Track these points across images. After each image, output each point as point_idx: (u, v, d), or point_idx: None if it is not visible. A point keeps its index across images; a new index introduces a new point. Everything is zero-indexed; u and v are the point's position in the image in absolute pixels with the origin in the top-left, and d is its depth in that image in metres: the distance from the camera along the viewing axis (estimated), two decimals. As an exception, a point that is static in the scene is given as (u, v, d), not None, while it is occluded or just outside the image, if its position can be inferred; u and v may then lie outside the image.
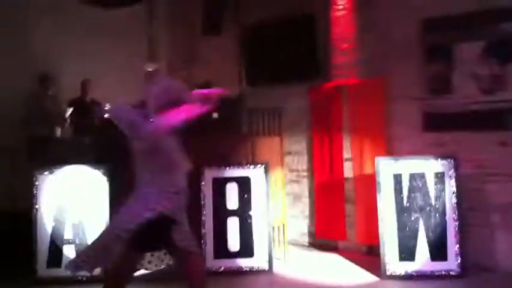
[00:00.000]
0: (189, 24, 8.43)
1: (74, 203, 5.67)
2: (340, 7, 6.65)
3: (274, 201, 5.97)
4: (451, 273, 5.31)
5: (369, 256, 6.16)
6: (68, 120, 7.77)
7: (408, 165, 5.55)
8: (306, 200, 6.96)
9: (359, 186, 6.39)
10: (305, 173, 6.98)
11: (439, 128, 5.88)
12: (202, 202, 5.76)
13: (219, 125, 6.93)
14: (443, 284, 5.17)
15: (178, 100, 3.81)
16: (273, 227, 5.93)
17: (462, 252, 5.32)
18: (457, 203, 5.39)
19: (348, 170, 6.54)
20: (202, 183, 5.80)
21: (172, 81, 4.08)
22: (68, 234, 5.63)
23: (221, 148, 6.33)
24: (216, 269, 5.65)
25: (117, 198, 5.68)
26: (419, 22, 6.02)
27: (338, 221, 6.55)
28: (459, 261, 5.32)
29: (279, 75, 7.01)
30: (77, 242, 5.61)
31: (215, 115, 6.95)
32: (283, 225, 6.18)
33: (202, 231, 5.71)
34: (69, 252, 5.58)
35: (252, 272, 5.65)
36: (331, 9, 6.70)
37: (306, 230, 6.95)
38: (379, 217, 5.51)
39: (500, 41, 5.53)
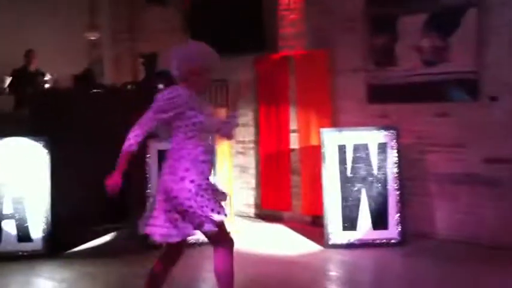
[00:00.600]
0: (132, -7, 8.25)
1: (13, 176, 5.51)
2: (286, -23, 6.61)
3: (221, 173, 5.96)
4: (391, 241, 5.46)
5: (313, 226, 6.25)
6: (7, 91, 7.51)
7: (352, 137, 5.62)
8: (252, 172, 6.99)
9: (304, 158, 6.45)
10: (251, 145, 6.99)
11: (383, 99, 5.96)
12: (147, 174, 5.70)
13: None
14: (384, 252, 5.31)
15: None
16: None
17: (402, 221, 5.46)
18: (398, 173, 5.51)
19: (294, 142, 6.59)
20: (148, 155, 5.72)
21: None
22: (7, 209, 5.48)
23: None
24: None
25: (58, 172, 5.57)
26: (364, -6, 6.07)
27: (284, 192, 6.61)
28: (399, 229, 5.46)
29: (225, 46, 6.91)
30: (17, 216, 5.47)
31: (161, 86, 6.86)
32: (230, 197, 6.18)
33: (147, 204, 5.65)
34: (8, 227, 5.44)
35: (198, 244, 5.65)
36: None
37: (252, 201, 6.99)
38: (324, 188, 5.59)
39: (441, 13, 5.61)
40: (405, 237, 5.45)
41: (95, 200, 5.77)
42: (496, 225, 5.26)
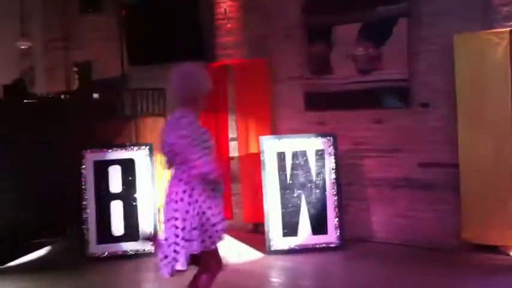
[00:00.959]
0: (65, 2, 8.04)
1: None
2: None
3: (160, 182, 5.89)
4: (331, 245, 5.55)
5: (254, 234, 6.27)
6: None
7: (291, 144, 5.69)
8: (192, 181, 6.92)
9: (244, 166, 6.47)
10: (191, 154, 6.92)
11: (320, 107, 6.08)
12: (83, 186, 5.56)
13: (101, 106, 6.71)
14: (325, 256, 5.39)
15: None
16: (159, 209, 5.85)
17: (341, 226, 5.57)
18: (336, 179, 5.62)
19: (234, 150, 6.60)
20: (83, 166, 5.59)
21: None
22: None
23: (103, 130, 6.13)
24: (99, 255, 5.50)
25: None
26: (300, 4, 6.16)
27: (224, 201, 6.58)
28: (338, 234, 5.57)
29: (162, 54, 6.87)
30: None
31: (96, 95, 6.71)
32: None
33: (84, 216, 5.52)
34: None
35: (137, 255, 5.55)
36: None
37: (192, 210, 6.92)
38: (264, 195, 5.63)
39: (374, 23, 5.78)
40: (344, 242, 5.56)
41: (29, 213, 5.59)
42: (432, 227, 5.44)
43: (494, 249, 5.08)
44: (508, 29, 4.93)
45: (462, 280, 4.57)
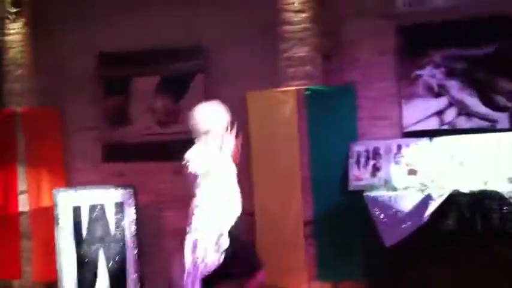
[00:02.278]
0: None
1: None
2: (13, 31, 6.26)
3: None
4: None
5: (47, 294, 5.82)
6: None
7: (87, 196, 5.50)
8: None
9: (36, 220, 6.02)
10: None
11: (119, 158, 5.99)
12: None
13: None
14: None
15: None
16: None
17: (141, 280, 5.47)
18: (136, 231, 5.53)
19: (24, 204, 6.11)
20: None
21: None
22: None
23: None
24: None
25: None
26: (96, 56, 6.07)
27: (12, 259, 6.04)
28: (138, 288, 5.47)
29: None
30: None
31: None
32: None
33: None
34: None
35: None
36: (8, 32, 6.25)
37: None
38: (57, 251, 5.29)
39: (172, 77, 5.95)
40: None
41: None
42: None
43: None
44: (294, 88, 5.43)
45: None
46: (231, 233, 3.99)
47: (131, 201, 5.57)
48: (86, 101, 6.09)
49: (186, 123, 5.83)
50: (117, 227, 5.50)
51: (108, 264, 5.41)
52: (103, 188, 5.56)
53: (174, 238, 5.80)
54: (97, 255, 5.40)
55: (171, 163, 5.86)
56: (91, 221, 5.44)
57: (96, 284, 5.35)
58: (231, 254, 3.92)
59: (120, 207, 5.54)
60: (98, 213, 5.48)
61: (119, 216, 5.53)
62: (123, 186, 5.62)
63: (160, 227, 5.85)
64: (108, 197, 5.53)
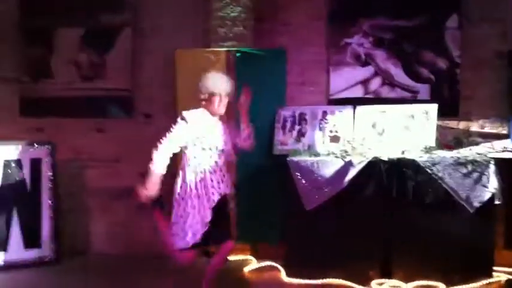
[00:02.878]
0: None
1: None
2: None
3: None
4: (45, 259, 5.26)
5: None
6: None
7: (3, 152, 5.23)
8: None
9: None
10: None
11: (38, 113, 5.71)
12: None
13: None
14: (38, 272, 5.07)
15: None
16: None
17: (57, 238, 5.32)
18: (53, 189, 5.35)
19: None
20: None
21: None
22: None
23: None
24: None
25: None
26: (17, 4, 5.73)
27: None
28: (53, 247, 5.31)
29: None
30: None
31: None
32: None
33: None
34: None
35: None
36: None
37: None
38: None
39: (97, 30, 5.70)
40: (60, 255, 5.32)
41: None
42: (149, 237, 5.49)
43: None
44: (224, 49, 5.35)
45: (180, 285, 4.72)
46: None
47: (49, 158, 5.36)
48: (4, 52, 5.75)
49: (112, 79, 5.68)
50: (33, 184, 5.30)
51: (21, 221, 5.21)
52: (19, 144, 5.31)
53: (94, 197, 5.69)
54: (11, 213, 5.18)
55: (93, 120, 5.71)
56: (5, 177, 5.20)
57: (10, 241, 5.15)
58: (212, 219, 3.97)
59: (37, 163, 5.33)
60: (13, 169, 5.24)
61: (35, 173, 5.31)
62: (41, 142, 5.40)
63: (80, 186, 5.68)
64: (25, 153, 5.30)
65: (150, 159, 5.53)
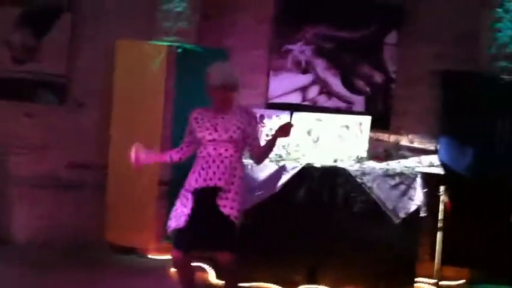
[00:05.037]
0: None
1: None
2: None
3: None
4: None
5: None
6: None
7: None
8: None
9: None
10: None
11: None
12: None
13: None
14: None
15: None
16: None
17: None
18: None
19: None
20: None
21: None
22: None
23: None
24: None
25: None
26: None
27: None
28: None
29: None
30: None
31: None
32: None
33: None
34: None
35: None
36: None
37: None
38: None
39: (35, 12, 5.50)
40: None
41: None
42: (78, 228, 5.35)
43: (134, 251, 5.31)
44: (166, 44, 5.28)
45: (101, 281, 4.62)
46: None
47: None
48: None
49: (46, 63, 5.47)
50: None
51: None
52: None
53: (17, 186, 5.45)
54: None
55: (22, 104, 5.48)
56: None
57: None
58: (219, 224, 3.74)
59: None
60: None
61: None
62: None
63: (3, 173, 5.42)
64: None
65: (79, 149, 5.43)
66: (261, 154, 4.00)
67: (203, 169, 3.78)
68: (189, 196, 3.79)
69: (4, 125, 5.42)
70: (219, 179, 3.73)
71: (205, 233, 3.73)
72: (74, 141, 5.49)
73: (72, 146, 5.49)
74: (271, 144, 4.01)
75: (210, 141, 3.79)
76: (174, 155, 4.02)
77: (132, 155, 3.93)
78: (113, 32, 5.34)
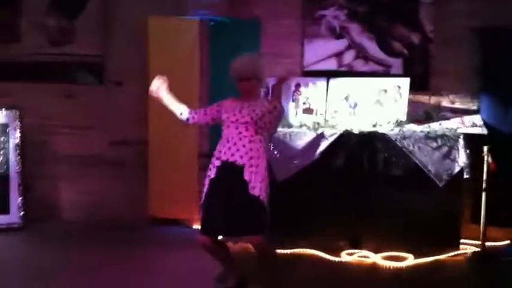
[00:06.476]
0: None
1: None
2: None
3: None
4: (13, 226, 5.21)
5: None
6: None
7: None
8: None
9: None
10: None
11: (4, 77, 5.56)
12: None
13: None
14: (5, 238, 5.02)
15: None
16: None
17: (25, 205, 5.27)
18: (21, 155, 5.27)
19: None
20: None
21: None
22: None
23: None
24: None
25: None
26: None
27: None
28: (21, 213, 5.26)
29: None
30: None
31: None
32: None
33: None
34: None
35: None
36: None
37: None
38: None
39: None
40: (28, 221, 5.27)
41: None
42: (120, 204, 5.49)
43: (177, 222, 5.41)
44: (198, 18, 5.27)
45: (148, 254, 4.71)
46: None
47: (17, 123, 5.26)
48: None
49: (82, 44, 5.55)
50: (0, 150, 5.20)
51: (-11, 187, 5.15)
52: (-15, 108, 5.21)
53: (62, 165, 5.60)
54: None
55: (62, 85, 5.59)
56: (-28, 142, 5.12)
57: (-23, 208, 5.10)
58: (244, 206, 3.70)
59: (4, 129, 5.22)
60: (-21, 133, 5.15)
61: (2, 139, 5.21)
62: (8, 107, 5.28)
63: (48, 152, 5.58)
64: (-8, 117, 5.20)
65: (119, 126, 5.52)
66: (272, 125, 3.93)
67: (224, 146, 3.81)
68: (216, 163, 3.81)
69: (46, 107, 5.55)
70: (241, 157, 3.74)
71: (233, 217, 3.69)
72: (114, 119, 5.57)
73: (113, 124, 5.58)
74: (277, 94, 4.03)
75: (232, 122, 3.82)
76: (186, 113, 3.98)
77: (155, 84, 4.01)
78: (143, 9, 5.36)
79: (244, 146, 3.76)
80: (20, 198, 5.24)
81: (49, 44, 5.60)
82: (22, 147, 5.28)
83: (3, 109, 5.25)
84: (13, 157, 5.24)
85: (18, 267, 4.43)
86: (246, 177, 3.70)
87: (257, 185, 3.70)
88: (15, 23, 5.60)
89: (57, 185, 5.63)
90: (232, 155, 3.75)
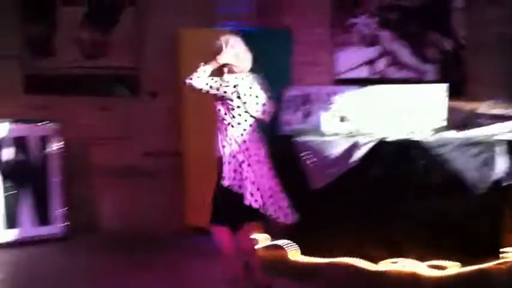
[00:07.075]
0: None
1: None
2: None
3: None
4: (55, 236, 5.34)
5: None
6: None
7: (10, 129, 5.30)
8: None
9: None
10: None
11: (43, 90, 5.70)
12: None
13: None
14: (47, 249, 5.15)
15: None
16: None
17: (66, 216, 5.40)
18: (62, 167, 5.40)
19: None
20: None
21: None
22: None
23: None
24: None
25: None
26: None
27: None
28: (63, 224, 5.39)
29: None
30: None
31: None
32: None
33: None
34: None
35: None
36: None
37: None
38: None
39: (100, 9, 5.67)
40: (69, 232, 5.39)
41: None
42: (156, 214, 5.58)
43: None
44: (228, 29, 5.32)
45: (185, 262, 4.79)
46: None
47: (56, 136, 5.39)
48: (7, 28, 5.68)
49: (115, 57, 5.65)
50: (42, 162, 5.34)
51: (33, 198, 5.29)
52: (26, 122, 5.35)
53: (99, 176, 5.70)
54: (24, 189, 5.27)
55: (97, 98, 5.70)
56: (15, 154, 5.26)
57: (21, 217, 5.24)
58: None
59: (45, 141, 5.37)
60: (21, 146, 5.28)
61: (43, 151, 5.36)
62: (48, 120, 5.42)
63: (87, 164, 5.70)
64: (33, 130, 5.34)
65: (153, 138, 5.61)
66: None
67: None
68: None
69: (83, 120, 5.67)
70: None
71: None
72: (148, 131, 5.66)
73: (147, 135, 5.66)
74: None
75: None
76: None
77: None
78: (175, 21, 5.44)
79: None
80: (61, 209, 5.36)
81: (84, 57, 5.71)
82: (63, 158, 5.39)
83: (43, 122, 5.38)
84: (54, 168, 5.36)
85: (60, 277, 4.53)
86: None
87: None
88: (50, 37, 5.72)
89: (96, 196, 5.75)
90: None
